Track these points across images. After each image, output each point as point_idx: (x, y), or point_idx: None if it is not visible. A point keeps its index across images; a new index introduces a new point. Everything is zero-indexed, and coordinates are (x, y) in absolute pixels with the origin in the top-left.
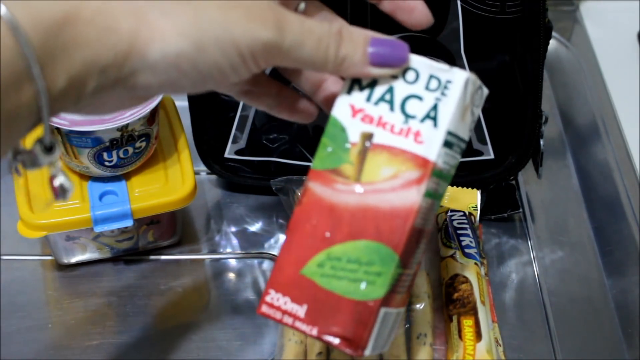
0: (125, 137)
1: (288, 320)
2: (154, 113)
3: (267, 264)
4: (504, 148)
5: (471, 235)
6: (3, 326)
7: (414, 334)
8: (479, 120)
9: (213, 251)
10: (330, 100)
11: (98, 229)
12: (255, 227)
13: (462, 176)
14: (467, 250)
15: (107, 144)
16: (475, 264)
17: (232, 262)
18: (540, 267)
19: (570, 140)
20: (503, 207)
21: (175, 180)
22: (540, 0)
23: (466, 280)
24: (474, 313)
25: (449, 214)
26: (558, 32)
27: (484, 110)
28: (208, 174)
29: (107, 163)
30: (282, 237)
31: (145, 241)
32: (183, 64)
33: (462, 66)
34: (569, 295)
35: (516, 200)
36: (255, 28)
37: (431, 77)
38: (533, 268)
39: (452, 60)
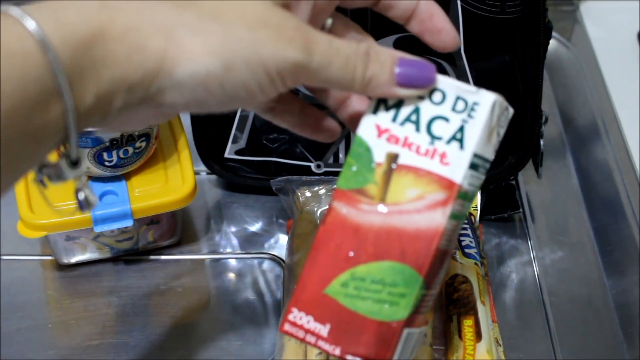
0: (125, 137)
1: (311, 339)
2: None
3: (267, 264)
4: (504, 148)
5: (471, 235)
6: (3, 326)
7: None
8: None
9: (213, 251)
10: (354, 118)
11: (98, 229)
12: (255, 227)
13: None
14: (467, 250)
15: (107, 143)
16: (475, 264)
17: (232, 262)
18: (540, 267)
19: (570, 140)
20: (503, 207)
21: (175, 180)
22: (540, 0)
23: (466, 280)
24: (474, 313)
25: None
26: (558, 32)
27: None
28: (208, 174)
29: (107, 163)
30: (282, 237)
31: (145, 241)
32: (211, 83)
33: (462, 66)
34: (569, 295)
35: (516, 200)
36: (283, 49)
37: (458, 98)
38: (533, 268)
39: (452, 60)
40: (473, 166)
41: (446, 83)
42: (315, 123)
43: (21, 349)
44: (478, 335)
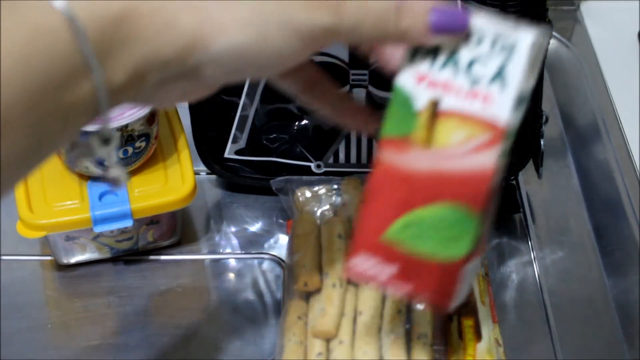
0: (125, 137)
1: (376, 281)
2: (153, 113)
3: (267, 264)
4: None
5: None
6: (3, 326)
7: (414, 334)
8: None
9: (213, 251)
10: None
11: (98, 229)
12: (255, 227)
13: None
14: None
15: None
16: None
17: (232, 262)
18: (540, 267)
19: (571, 140)
20: (503, 208)
21: (175, 180)
22: (540, 0)
23: None
24: (474, 313)
25: None
26: (558, 31)
27: None
28: (208, 174)
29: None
30: (282, 237)
31: (145, 241)
32: (247, 54)
33: None
34: (569, 295)
35: (516, 201)
36: (314, 15)
37: (496, 38)
38: (533, 268)
39: None
40: (517, 104)
41: (483, 24)
42: (351, 114)
43: (21, 349)
44: (478, 336)
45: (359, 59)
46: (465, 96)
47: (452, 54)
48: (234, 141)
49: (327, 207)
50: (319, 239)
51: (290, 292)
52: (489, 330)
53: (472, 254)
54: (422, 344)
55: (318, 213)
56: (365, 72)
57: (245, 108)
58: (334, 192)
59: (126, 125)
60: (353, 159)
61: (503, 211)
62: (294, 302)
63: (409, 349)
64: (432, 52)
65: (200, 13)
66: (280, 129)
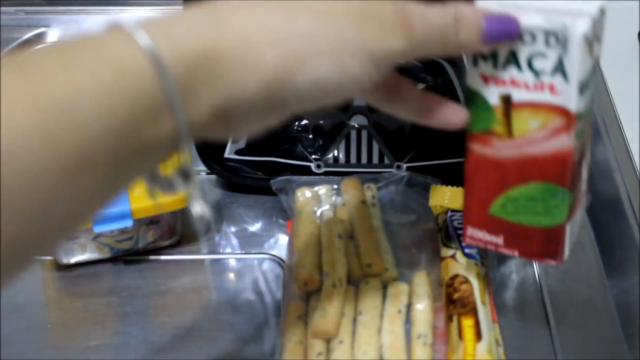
0: None
1: (491, 247)
2: None
3: (267, 264)
4: None
5: None
6: (3, 326)
7: (414, 334)
8: None
9: (213, 251)
10: None
11: (98, 229)
12: (255, 227)
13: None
14: (467, 251)
15: None
16: (476, 264)
17: (232, 262)
18: (540, 267)
19: None
20: None
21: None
22: None
23: (466, 281)
24: (474, 313)
25: (449, 214)
26: None
27: None
28: (208, 174)
29: None
30: (282, 237)
31: (145, 241)
32: (328, 85)
33: (462, 66)
34: (569, 295)
35: None
36: (389, 41)
37: (548, 35)
38: (533, 268)
39: (452, 59)
40: (581, 91)
41: (532, 25)
42: (439, 109)
43: (21, 349)
44: (478, 335)
45: None
46: (533, 88)
47: (511, 53)
48: (234, 141)
49: (327, 207)
50: (319, 239)
51: (290, 292)
52: (489, 330)
53: (572, 215)
54: (422, 344)
55: (318, 213)
56: None
57: None
58: (334, 192)
59: None
60: (353, 159)
61: None
62: (294, 302)
63: (409, 349)
64: (491, 54)
65: (283, 48)
66: (280, 129)
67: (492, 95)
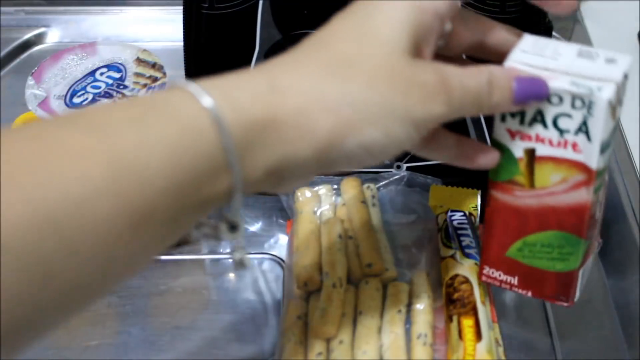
0: None
1: (505, 286)
2: None
3: (267, 264)
4: None
5: (471, 235)
6: None
7: (414, 334)
8: (478, 119)
9: (213, 251)
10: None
11: None
12: (255, 227)
13: (462, 176)
14: (467, 251)
15: None
16: (476, 264)
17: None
18: None
19: None
20: None
21: None
22: None
23: (466, 281)
24: (474, 313)
25: (449, 214)
26: (558, 32)
27: None
28: None
29: None
30: (282, 237)
31: None
32: (373, 148)
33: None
34: None
35: None
36: (430, 107)
37: (574, 98)
38: None
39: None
40: (602, 151)
41: (560, 89)
42: (474, 153)
43: None
44: (478, 336)
45: None
46: (556, 145)
47: (538, 112)
48: None
49: (327, 207)
50: (319, 239)
51: (290, 292)
52: (488, 330)
53: (584, 261)
54: (422, 344)
55: (318, 213)
56: None
57: None
58: (334, 192)
59: None
60: None
61: None
62: (294, 302)
63: (409, 349)
64: (520, 112)
65: (335, 115)
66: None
67: (517, 148)
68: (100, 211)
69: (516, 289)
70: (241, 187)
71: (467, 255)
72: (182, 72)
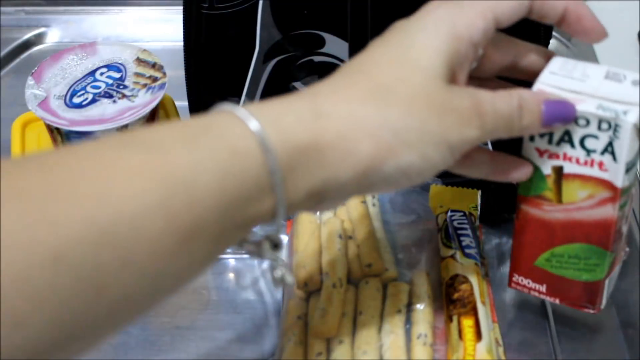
0: None
1: (534, 293)
2: (153, 113)
3: (267, 264)
4: (505, 148)
5: (471, 235)
6: None
7: (414, 334)
8: None
9: None
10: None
11: None
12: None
13: (462, 176)
14: (467, 251)
15: None
16: (476, 264)
17: (232, 262)
18: None
19: None
20: (503, 208)
21: None
22: None
23: (466, 281)
24: (474, 313)
25: (449, 214)
26: (558, 32)
27: None
28: None
29: None
30: (282, 237)
31: None
32: (410, 171)
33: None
34: None
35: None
36: (465, 131)
37: (601, 121)
38: None
39: None
40: (628, 170)
41: (587, 112)
42: (508, 168)
43: None
44: (478, 335)
45: None
46: (583, 164)
47: (565, 132)
48: None
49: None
50: (319, 239)
51: (290, 292)
52: (489, 330)
53: (610, 271)
54: (422, 344)
55: (318, 213)
56: None
57: None
58: None
59: (126, 125)
60: None
61: (503, 211)
62: (294, 302)
63: (409, 349)
64: (548, 132)
65: (376, 140)
66: None
67: (546, 166)
68: (152, 227)
69: (544, 296)
70: (284, 208)
71: (467, 255)
72: (182, 72)
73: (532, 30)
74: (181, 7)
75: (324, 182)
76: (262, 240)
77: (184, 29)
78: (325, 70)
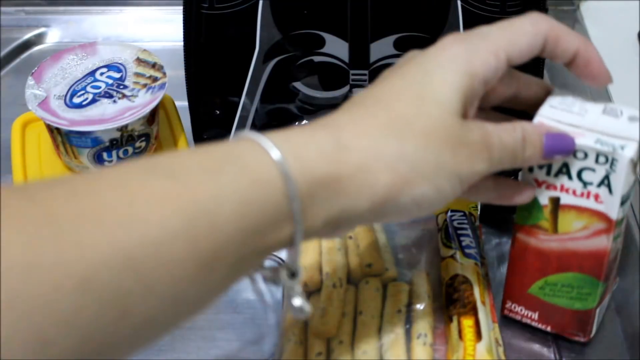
0: (125, 137)
1: (527, 320)
2: (153, 113)
3: (267, 264)
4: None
5: (471, 235)
6: None
7: (414, 334)
8: None
9: None
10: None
11: None
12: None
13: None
14: (467, 251)
15: (107, 144)
16: (476, 264)
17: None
18: None
19: None
20: (503, 208)
21: None
22: (540, 0)
23: (466, 281)
24: (474, 313)
25: (449, 214)
26: None
27: None
28: None
29: (107, 163)
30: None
31: None
32: (423, 202)
33: None
34: None
35: None
36: (475, 164)
37: (598, 155)
38: None
39: None
40: (623, 202)
41: (585, 146)
42: (512, 192)
43: None
44: (478, 336)
45: (359, 59)
46: (580, 195)
47: (563, 164)
48: None
49: None
50: (319, 239)
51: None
52: (488, 330)
53: (601, 300)
54: (422, 344)
55: None
56: (365, 72)
57: (246, 108)
58: None
59: (126, 125)
60: None
61: (503, 211)
62: None
63: (408, 349)
64: (547, 164)
65: (393, 172)
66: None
67: (543, 197)
68: (175, 253)
69: (536, 323)
70: (302, 236)
71: (467, 255)
72: (182, 72)
73: None
74: (181, 7)
75: (341, 212)
76: (280, 268)
77: (184, 29)
78: (325, 70)
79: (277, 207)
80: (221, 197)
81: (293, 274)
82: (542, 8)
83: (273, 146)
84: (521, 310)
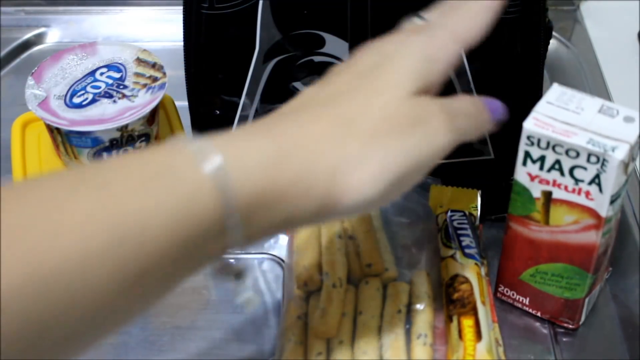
0: (125, 137)
1: (518, 304)
2: (153, 113)
3: (267, 264)
4: (504, 148)
5: (471, 235)
6: None
7: (414, 334)
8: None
9: None
10: None
11: None
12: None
13: (462, 176)
14: (467, 251)
15: (107, 144)
16: (476, 264)
17: (232, 262)
18: None
19: None
20: (503, 207)
21: None
22: (540, 0)
23: (466, 281)
24: (474, 313)
25: (449, 214)
26: (558, 32)
27: None
28: None
29: None
30: (282, 237)
31: None
32: (368, 206)
33: (462, 67)
34: None
35: None
36: (438, 139)
37: (590, 155)
38: None
39: None
40: (612, 201)
41: (578, 145)
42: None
43: None
44: (478, 336)
45: None
46: (571, 191)
47: (556, 161)
48: None
49: None
50: (319, 239)
51: (290, 292)
52: (488, 330)
53: (591, 291)
54: (422, 344)
55: None
56: None
57: (245, 108)
58: None
59: (126, 125)
60: None
61: (503, 211)
62: (294, 302)
63: (409, 349)
64: (540, 160)
65: (334, 177)
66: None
67: (536, 190)
68: (99, 271)
69: (527, 308)
70: (239, 246)
71: (467, 256)
72: (182, 72)
73: (532, 31)
74: (181, 7)
75: (282, 220)
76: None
77: (184, 29)
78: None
79: (213, 222)
80: (151, 212)
81: (238, 274)
82: (542, 8)
83: (212, 155)
84: (513, 294)
